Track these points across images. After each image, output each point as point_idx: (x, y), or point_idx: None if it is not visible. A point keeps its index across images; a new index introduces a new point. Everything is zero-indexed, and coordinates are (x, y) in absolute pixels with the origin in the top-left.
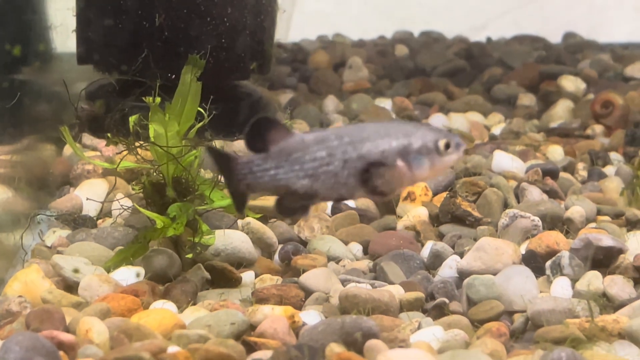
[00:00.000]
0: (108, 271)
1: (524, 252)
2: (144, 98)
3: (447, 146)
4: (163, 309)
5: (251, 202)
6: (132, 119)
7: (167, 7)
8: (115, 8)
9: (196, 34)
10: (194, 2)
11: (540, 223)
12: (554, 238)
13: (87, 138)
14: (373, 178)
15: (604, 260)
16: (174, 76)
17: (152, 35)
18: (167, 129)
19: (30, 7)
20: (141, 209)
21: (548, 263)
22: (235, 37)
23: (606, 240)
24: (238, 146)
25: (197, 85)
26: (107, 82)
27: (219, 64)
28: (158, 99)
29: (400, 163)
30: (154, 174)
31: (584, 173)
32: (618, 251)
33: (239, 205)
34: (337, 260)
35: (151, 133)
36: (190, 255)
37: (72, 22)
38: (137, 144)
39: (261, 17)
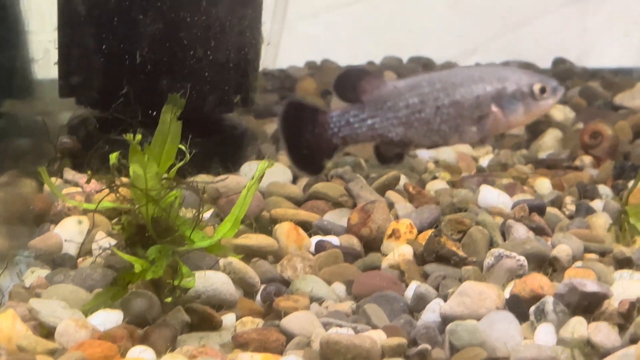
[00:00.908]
0: (86, 315)
1: (508, 296)
2: (124, 135)
3: (543, 90)
4: (139, 358)
5: (233, 241)
6: (113, 156)
7: (149, 40)
8: (97, 41)
9: (179, 67)
10: (177, 35)
11: (525, 263)
12: (538, 282)
13: (69, 173)
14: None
15: (588, 306)
16: (154, 113)
17: (135, 69)
18: (146, 170)
19: (10, 40)
20: (119, 252)
21: (532, 309)
22: (219, 70)
23: (591, 286)
24: (221, 183)
25: (177, 124)
26: (90, 115)
27: (202, 97)
28: (139, 137)
29: (494, 108)
30: (135, 214)
31: (571, 207)
32: (603, 296)
33: (320, 167)
34: (320, 301)
35: (131, 173)
36: (169, 300)
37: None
38: (117, 182)
39: (245, 50)
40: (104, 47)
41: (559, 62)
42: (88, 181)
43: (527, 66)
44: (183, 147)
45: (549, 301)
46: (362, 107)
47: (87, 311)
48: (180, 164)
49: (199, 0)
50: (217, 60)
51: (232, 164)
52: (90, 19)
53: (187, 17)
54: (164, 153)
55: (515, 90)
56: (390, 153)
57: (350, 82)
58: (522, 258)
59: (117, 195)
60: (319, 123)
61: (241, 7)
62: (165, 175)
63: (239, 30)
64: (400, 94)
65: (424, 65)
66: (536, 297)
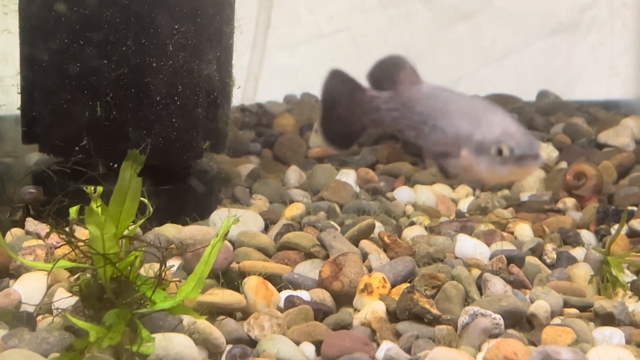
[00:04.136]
0: None
1: None
2: (84, 187)
3: (501, 152)
4: None
5: (199, 298)
6: (73, 210)
7: (114, 86)
8: (60, 87)
9: (145, 113)
10: (143, 81)
11: (501, 322)
12: (511, 347)
13: (31, 224)
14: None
15: None
16: (117, 165)
17: (99, 116)
18: (104, 231)
19: None
20: (73, 319)
21: None
22: (186, 116)
23: (565, 354)
24: (188, 232)
25: (137, 181)
26: (54, 163)
27: (169, 144)
28: (100, 189)
29: (464, 152)
30: (93, 274)
31: (553, 255)
32: None
33: (349, 143)
34: None
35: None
36: None
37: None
38: (75, 239)
39: (214, 94)
40: (66, 93)
41: (542, 95)
42: (47, 235)
43: (509, 100)
44: (145, 201)
45: None
46: (392, 97)
47: None
48: (141, 221)
49: (164, 44)
50: (184, 106)
51: (201, 212)
52: (52, 64)
53: (153, 62)
54: (123, 212)
55: (479, 142)
56: (412, 151)
57: (388, 70)
58: (498, 317)
59: (77, 252)
60: (355, 99)
61: (209, 50)
62: (126, 233)
63: (207, 74)
64: (419, 98)
65: None
66: None
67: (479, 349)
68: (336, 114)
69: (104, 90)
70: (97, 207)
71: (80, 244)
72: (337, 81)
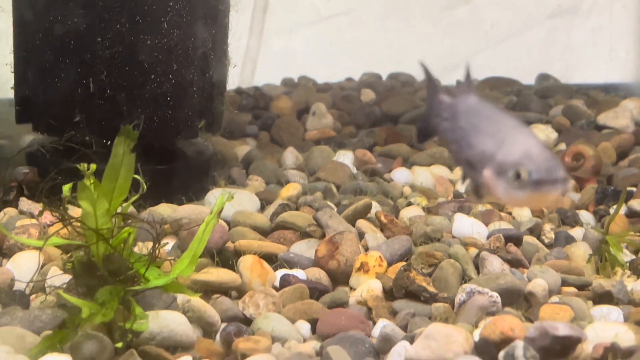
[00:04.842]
0: None
1: (477, 339)
2: (77, 165)
3: (519, 176)
4: None
5: (193, 277)
6: (66, 188)
7: (108, 64)
8: (53, 65)
9: (139, 92)
10: (137, 59)
11: (499, 299)
12: (508, 323)
13: (25, 203)
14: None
15: (561, 350)
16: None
17: (93, 94)
18: (96, 208)
19: None
20: (65, 296)
21: (501, 354)
22: (181, 94)
23: (563, 329)
24: (183, 212)
25: (130, 157)
26: (48, 142)
27: (164, 123)
28: (93, 167)
29: (487, 172)
30: (86, 252)
31: (551, 235)
32: (576, 340)
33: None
34: (282, 341)
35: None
36: (120, 345)
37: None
38: (68, 216)
39: (210, 73)
40: (60, 71)
41: (542, 78)
42: (40, 213)
43: (508, 83)
44: (139, 178)
45: (518, 346)
46: (448, 106)
47: (34, 356)
48: (134, 198)
49: (159, 22)
50: (179, 84)
51: (196, 192)
52: (46, 42)
53: (147, 40)
54: (116, 188)
55: (499, 163)
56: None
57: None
58: (495, 294)
59: (70, 229)
60: (432, 102)
61: (205, 28)
62: (119, 210)
63: (203, 52)
64: (464, 112)
65: (403, 83)
66: (506, 340)
67: (475, 327)
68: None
69: (98, 69)
70: (90, 184)
71: (73, 222)
72: (430, 82)
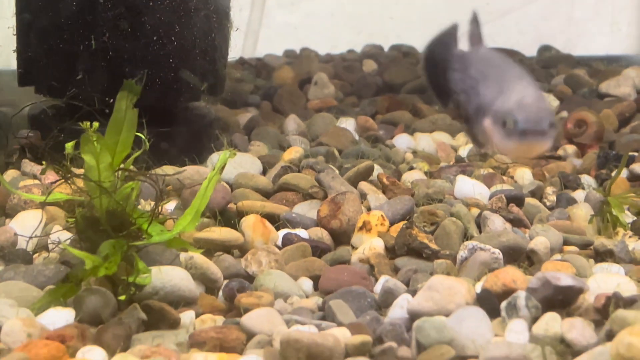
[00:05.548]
0: (36, 313)
1: (479, 290)
2: (80, 123)
3: (505, 124)
4: (85, 359)
5: (196, 235)
6: (69, 146)
7: (111, 26)
8: (56, 28)
9: (142, 54)
10: (140, 20)
11: (500, 256)
12: (510, 275)
13: (27, 165)
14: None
15: (563, 300)
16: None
17: (96, 56)
18: (99, 161)
19: None
20: (69, 248)
21: (503, 304)
22: (183, 56)
23: (565, 279)
24: (186, 173)
25: (133, 112)
26: (51, 104)
27: (167, 85)
28: (96, 125)
29: (485, 121)
30: (89, 206)
31: (552, 198)
32: (578, 291)
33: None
34: (285, 297)
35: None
36: (123, 297)
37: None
38: (71, 173)
39: (212, 35)
40: (63, 33)
41: (544, 49)
42: (43, 172)
43: (510, 54)
44: (142, 136)
45: (521, 296)
46: (459, 57)
47: (37, 310)
48: (137, 153)
49: None
50: (181, 46)
51: (199, 155)
52: (48, 4)
53: (150, 2)
54: (119, 143)
55: (495, 111)
56: (461, 114)
57: (473, 28)
58: (497, 251)
59: (73, 187)
60: (447, 56)
61: None
62: (122, 166)
63: (205, 14)
64: (474, 61)
65: (404, 53)
66: (508, 292)
67: (477, 281)
68: (438, 70)
69: (100, 31)
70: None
71: (76, 180)
72: (446, 36)
